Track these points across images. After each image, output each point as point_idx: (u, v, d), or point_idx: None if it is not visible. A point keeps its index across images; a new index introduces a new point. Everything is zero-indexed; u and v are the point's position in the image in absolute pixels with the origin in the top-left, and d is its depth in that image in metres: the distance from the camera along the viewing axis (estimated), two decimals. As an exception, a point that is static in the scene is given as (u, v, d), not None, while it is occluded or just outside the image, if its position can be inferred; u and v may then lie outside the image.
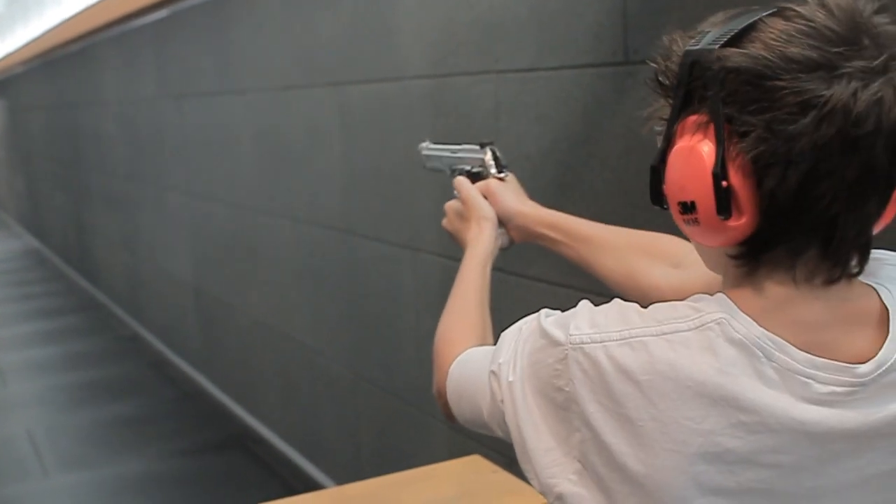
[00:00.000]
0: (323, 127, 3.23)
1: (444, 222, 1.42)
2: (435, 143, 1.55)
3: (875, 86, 0.73)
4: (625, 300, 0.87)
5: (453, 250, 2.51)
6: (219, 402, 4.61)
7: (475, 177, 1.42)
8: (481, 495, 1.83)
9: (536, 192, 1.43)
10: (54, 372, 5.41)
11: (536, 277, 2.15)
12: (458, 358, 1.09)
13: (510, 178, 1.40)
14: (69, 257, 8.67)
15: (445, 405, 1.10)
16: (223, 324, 4.59)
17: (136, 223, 6.06)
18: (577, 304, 0.89)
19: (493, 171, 1.40)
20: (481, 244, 1.31)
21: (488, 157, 1.41)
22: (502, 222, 1.36)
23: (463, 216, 1.37)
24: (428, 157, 1.55)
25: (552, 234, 1.33)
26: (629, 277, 1.24)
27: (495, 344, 0.96)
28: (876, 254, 0.85)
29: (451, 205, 1.40)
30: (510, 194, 1.37)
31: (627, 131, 1.85)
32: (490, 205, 1.36)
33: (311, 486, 3.49)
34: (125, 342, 6.02)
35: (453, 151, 1.49)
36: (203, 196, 4.64)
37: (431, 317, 2.76)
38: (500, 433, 0.95)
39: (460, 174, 1.44)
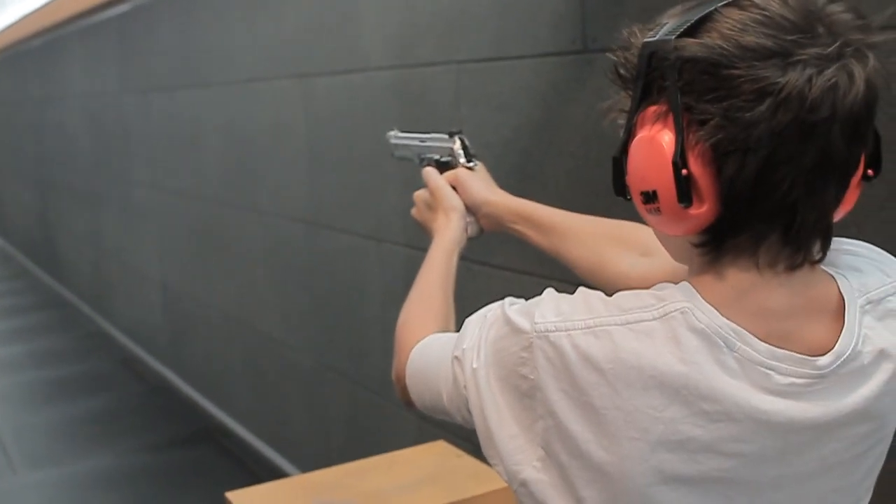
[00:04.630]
0: (287, 119, 3.23)
1: (413, 212, 1.41)
2: (403, 131, 1.52)
3: (829, 72, 0.74)
4: (593, 288, 0.87)
5: (418, 241, 2.53)
6: (187, 397, 4.59)
7: (444, 166, 1.40)
8: (445, 479, 1.85)
9: (497, 181, 1.44)
10: (21, 369, 5.36)
11: (500, 266, 2.17)
12: (420, 343, 1.09)
13: (479, 167, 1.39)
14: (34, 254, 8.57)
15: (404, 389, 1.10)
16: (190, 318, 4.57)
17: (102, 219, 6.02)
18: (541, 292, 0.90)
19: (462, 160, 1.39)
20: (448, 234, 1.31)
21: (457, 146, 1.40)
22: (471, 211, 1.36)
23: (431, 206, 1.37)
24: (396, 145, 1.52)
25: (520, 223, 1.33)
26: (598, 266, 1.24)
27: (458, 331, 0.97)
28: (837, 243, 0.86)
29: (419, 194, 1.40)
30: (479, 183, 1.37)
31: (587, 119, 1.87)
32: (458, 194, 1.35)
33: (280, 477, 3.49)
34: (92, 339, 5.97)
35: (422, 140, 1.47)
36: (169, 190, 4.62)
37: (397, 307, 2.75)
38: (459, 419, 0.95)
39: (429, 164, 1.42)
